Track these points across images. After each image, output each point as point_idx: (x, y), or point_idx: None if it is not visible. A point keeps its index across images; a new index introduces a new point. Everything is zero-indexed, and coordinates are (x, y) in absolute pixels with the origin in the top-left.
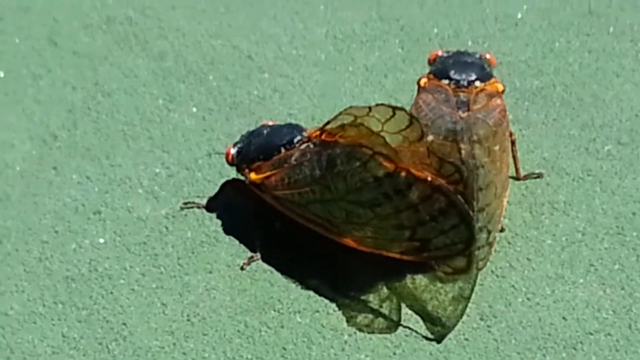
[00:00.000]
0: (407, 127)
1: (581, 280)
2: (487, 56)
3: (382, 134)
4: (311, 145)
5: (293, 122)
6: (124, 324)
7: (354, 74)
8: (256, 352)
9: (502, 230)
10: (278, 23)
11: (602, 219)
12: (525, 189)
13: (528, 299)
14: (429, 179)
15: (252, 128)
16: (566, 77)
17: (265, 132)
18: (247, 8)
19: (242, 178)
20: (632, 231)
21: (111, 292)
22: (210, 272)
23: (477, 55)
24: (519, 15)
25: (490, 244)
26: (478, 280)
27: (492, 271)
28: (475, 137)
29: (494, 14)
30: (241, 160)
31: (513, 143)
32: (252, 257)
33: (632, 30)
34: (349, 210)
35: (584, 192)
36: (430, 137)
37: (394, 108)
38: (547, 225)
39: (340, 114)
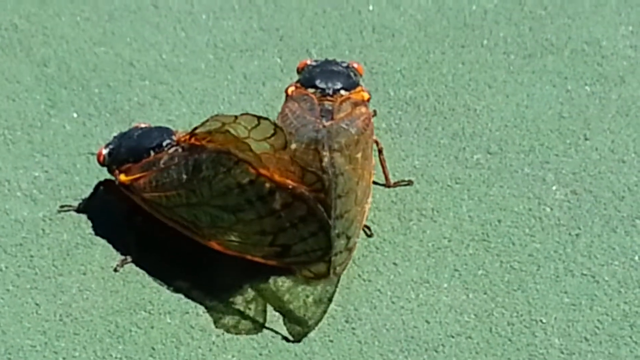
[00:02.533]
0: (272, 135)
1: (445, 285)
2: (355, 65)
3: (248, 141)
4: (179, 150)
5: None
6: None
7: (233, 82)
8: (125, 352)
9: (370, 235)
10: (161, 31)
11: (468, 225)
12: (395, 196)
13: (393, 302)
14: (290, 186)
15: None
16: (439, 88)
17: (136, 134)
18: (130, 16)
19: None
20: (497, 238)
21: None
22: (84, 274)
23: (345, 64)
24: (396, 27)
25: (349, 250)
26: (344, 284)
27: (359, 275)
28: (336, 146)
29: (372, 25)
30: (112, 162)
31: (380, 151)
32: (124, 258)
33: (506, 42)
34: (214, 215)
35: (451, 200)
36: (293, 145)
37: (259, 117)
38: (414, 231)
39: (207, 120)
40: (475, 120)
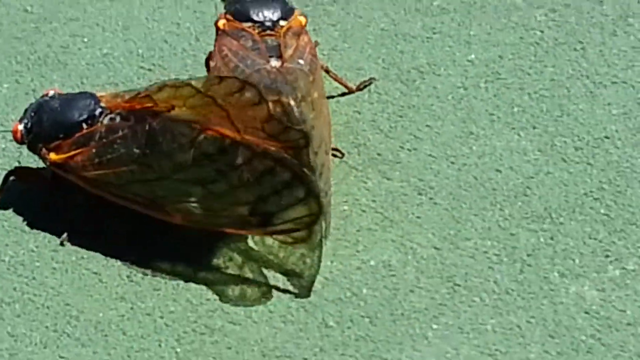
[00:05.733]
0: (239, 90)
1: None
2: None
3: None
4: (118, 119)
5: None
6: None
7: None
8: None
9: (342, 155)
10: None
11: None
12: None
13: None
14: (270, 151)
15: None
16: None
17: (56, 105)
18: None
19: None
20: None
21: None
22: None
23: None
24: None
25: (329, 205)
26: None
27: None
28: (298, 94)
29: None
30: (34, 139)
31: (327, 71)
32: (62, 240)
33: None
34: (178, 189)
35: None
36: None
37: (222, 77)
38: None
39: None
40: None
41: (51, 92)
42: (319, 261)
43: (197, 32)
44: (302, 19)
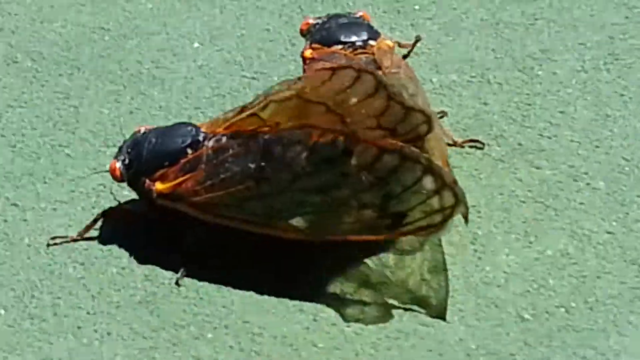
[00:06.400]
0: (354, 82)
1: None
2: (361, 13)
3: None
4: (224, 139)
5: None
6: None
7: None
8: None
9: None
10: None
11: None
12: None
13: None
14: (398, 147)
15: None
16: None
17: (154, 137)
18: None
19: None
20: None
21: None
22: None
23: (354, 15)
24: None
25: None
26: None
27: None
28: (410, 91)
29: None
30: (135, 173)
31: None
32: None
33: None
34: (297, 200)
35: None
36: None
37: (334, 69)
38: None
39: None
40: None
41: (142, 129)
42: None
43: (290, 36)
44: (390, 42)
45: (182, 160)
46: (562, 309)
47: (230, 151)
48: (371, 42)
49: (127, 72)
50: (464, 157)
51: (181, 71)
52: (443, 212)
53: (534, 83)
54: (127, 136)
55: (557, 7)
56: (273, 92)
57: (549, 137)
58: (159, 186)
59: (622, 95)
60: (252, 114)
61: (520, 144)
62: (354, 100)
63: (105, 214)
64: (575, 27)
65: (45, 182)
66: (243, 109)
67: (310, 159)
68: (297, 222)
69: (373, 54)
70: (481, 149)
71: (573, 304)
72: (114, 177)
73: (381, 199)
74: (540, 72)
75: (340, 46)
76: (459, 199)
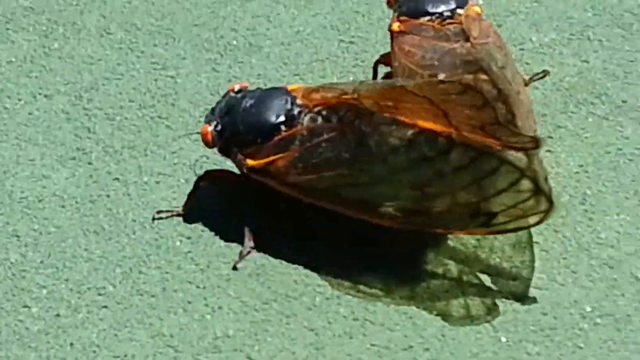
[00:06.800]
0: (460, 94)
1: None
2: None
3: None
4: (319, 120)
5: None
6: None
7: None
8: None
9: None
10: None
11: None
12: None
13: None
14: (498, 148)
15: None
16: None
17: (249, 104)
18: None
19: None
20: None
21: None
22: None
23: None
24: None
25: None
26: None
27: None
28: (500, 63)
29: None
30: (227, 143)
31: None
32: (241, 252)
33: None
34: (391, 193)
35: None
36: (441, 76)
37: (441, 81)
38: None
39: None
40: None
41: (237, 87)
42: None
43: None
44: (477, 8)
45: (276, 138)
46: None
47: (325, 136)
48: (459, 11)
49: (223, 40)
50: (569, 116)
51: (278, 37)
52: (537, 216)
53: (634, 39)
54: None
55: None
56: (377, 82)
57: None
58: (250, 162)
59: None
60: (353, 98)
61: (624, 101)
62: (459, 107)
63: (204, 179)
64: None
65: (146, 155)
66: (343, 92)
67: (407, 154)
68: (390, 211)
69: (461, 23)
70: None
71: None
72: (205, 143)
73: (476, 199)
74: None
75: (428, 17)
76: (554, 204)
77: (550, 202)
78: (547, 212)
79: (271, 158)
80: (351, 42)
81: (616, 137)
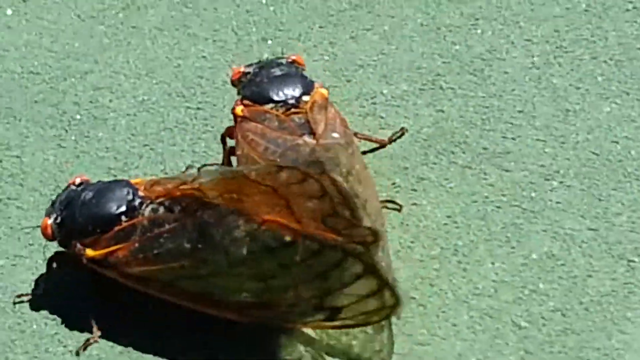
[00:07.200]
0: (300, 182)
1: None
2: (294, 58)
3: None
4: (161, 210)
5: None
6: None
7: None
8: None
9: (400, 208)
10: None
11: None
12: None
13: None
14: (339, 243)
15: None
16: None
17: (89, 196)
18: None
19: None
20: None
21: None
22: None
23: (285, 62)
24: None
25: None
26: None
27: None
28: (343, 169)
29: None
30: (67, 234)
31: (356, 134)
32: (88, 339)
33: None
34: (233, 285)
35: None
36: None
37: (280, 167)
38: None
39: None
40: None
41: (78, 180)
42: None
43: (228, 61)
44: (324, 91)
45: (116, 228)
46: (558, 313)
47: (167, 226)
48: (304, 98)
49: (66, 115)
50: (430, 167)
51: (122, 108)
52: (381, 312)
53: (487, 84)
54: None
55: (495, 4)
56: (220, 170)
57: (513, 138)
58: (89, 252)
59: (578, 88)
60: (194, 188)
61: (485, 148)
62: (301, 193)
63: (55, 260)
64: (517, 23)
65: (0, 238)
66: (184, 182)
67: (250, 246)
68: (234, 304)
69: (306, 112)
70: (399, 210)
71: (568, 306)
72: (45, 236)
73: (320, 293)
74: (491, 73)
75: (272, 105)
76: (400, 300)
77: (396, 297)
78: (393, 308)
79: (111, 248)
80: (199, 109)
81: (481, 185)
